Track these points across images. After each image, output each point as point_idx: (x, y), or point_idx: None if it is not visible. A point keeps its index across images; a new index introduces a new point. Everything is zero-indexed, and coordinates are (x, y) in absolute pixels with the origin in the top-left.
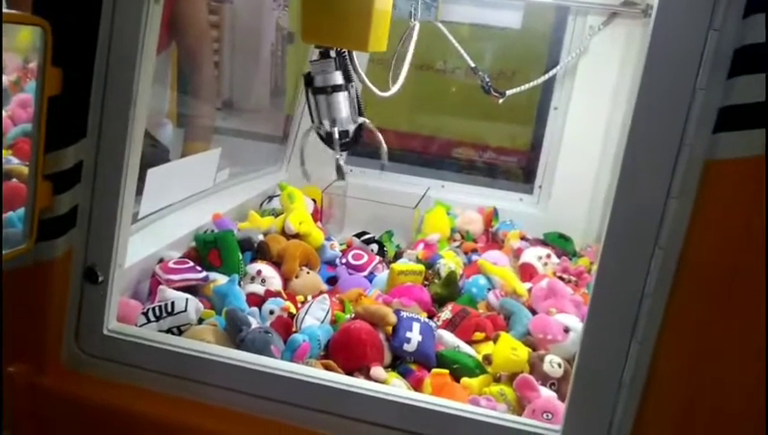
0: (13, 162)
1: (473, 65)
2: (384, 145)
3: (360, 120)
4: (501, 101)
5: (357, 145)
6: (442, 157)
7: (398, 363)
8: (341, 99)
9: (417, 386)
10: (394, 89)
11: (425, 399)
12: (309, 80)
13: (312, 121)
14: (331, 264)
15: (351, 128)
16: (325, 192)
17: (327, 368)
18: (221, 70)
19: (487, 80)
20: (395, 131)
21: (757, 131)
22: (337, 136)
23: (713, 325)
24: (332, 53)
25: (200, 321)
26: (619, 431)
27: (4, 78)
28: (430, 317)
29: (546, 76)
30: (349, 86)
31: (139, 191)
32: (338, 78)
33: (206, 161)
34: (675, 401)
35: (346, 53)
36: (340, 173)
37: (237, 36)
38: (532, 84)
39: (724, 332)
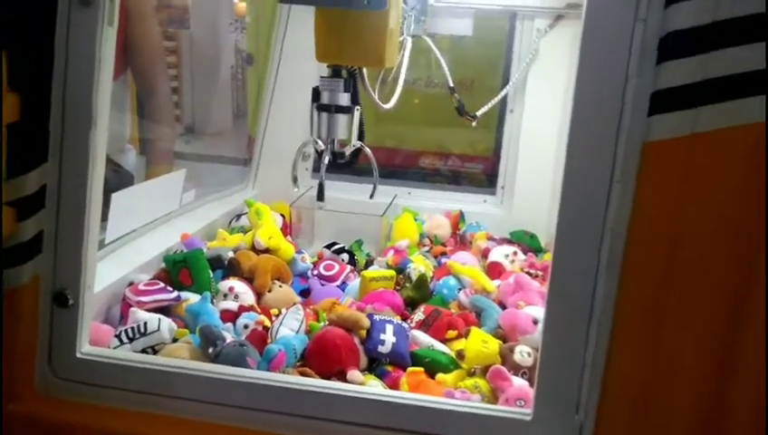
0: None
1: (451, 85)
2: (376, 169)
3: (358, 144)
4: (474, 123)
5: (351, 167)
6: (407, 166)
7: (375, 366)
8: (343, 120)
9: (394, 386)
10: (392, 102)
11: (402, 395)
12: (315, 94)
13: (311, 135)
14: (303, 276)
15: (348, 151)
16: (293, 206)
17: (304, 375)
18: (181, 95)
19: (459, 99)
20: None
21: (686, 111)
22: (327, 159)
23: (661, 299)
24: (344, 73)
25: (174, 340)
26: (586, 409)
27: None
28: (404, 320)
29: (509, 86)
30: (354, 109)
31: (104, 217)
32: (344, 99)
33: (170, 183)
34: (634, 375)
35: (357, 71)
36: (321, 194)
37: (196, 61)
38: (497, 99)
39: (671, 305)
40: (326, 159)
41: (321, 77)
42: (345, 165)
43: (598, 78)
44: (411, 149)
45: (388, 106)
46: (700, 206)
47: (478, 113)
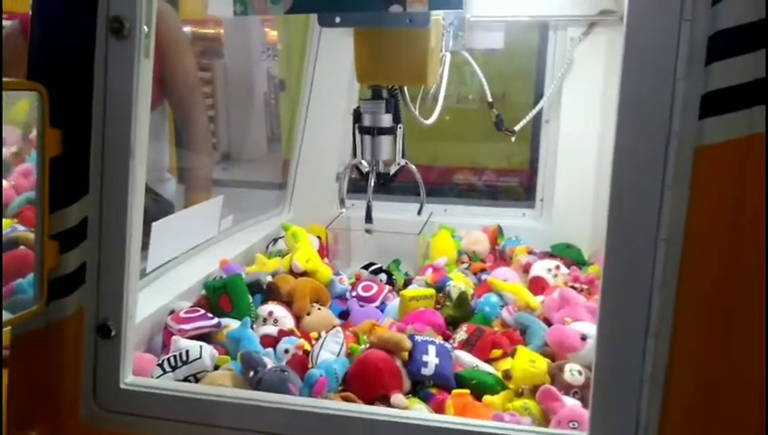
0: (19, 230)
1: (490, 99)
2: (423, 186)
3: (402, 161)
4: (513, 138)
5: (387, 186)
6: (442, 183)
7: (418, 389)
8: (387, 141)
9: (439, 409)
10: (434, 117)
11: (449, 420)
12: (357, 116)
13: (354, 156)
14: (341, 298)
15: (393, 169)
16: (329, 228)
17: (346, 400)
18: (217, 124)
19: (498, 114)
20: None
21: (741, 112)
22: (373, 180)
23: (722, 310)
24: (385, 93)
25: (216, 367)
26: (647, 429)
27: (6, 150)
28: (446, 339)
29: (545, 98)
30: (396, 128)
31: (145, 246)
32: (386, 120)
33: (209, 210)
34: (697, 390)
35: (398, 91)
36: (370, 216)
37: (230, 90)
38: (534, 111)
39: (734, 315)
40: (372, 181)
41: (362, 99)
42: (387, 184)
43: (643, 83)
44: (445, 165)
45: (429, 122)
46: (761, 210)
47: (516, 128)
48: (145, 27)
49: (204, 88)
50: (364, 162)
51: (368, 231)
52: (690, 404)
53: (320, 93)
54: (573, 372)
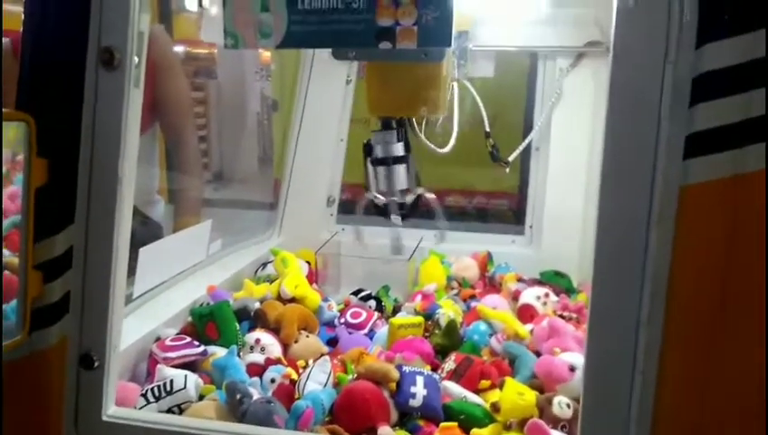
0: (5, 255)
1: (488, 129)
2: (440, 212)
3: (419, 190)
4: (507, 169)
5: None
6: (433, 207)
7: (406, 420)
8: (401, 171)
9: None
10: (449, 146)
11: None
12: (368, 150)
13: (367, 190)
14: (330, 325)
15: (410, 199)
16: (319, 253)
17: (333, 433)
18: (209, 143)
19: (494, 144)
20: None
21: (725, 153)
22: (398, 211)
23: (709, 347)
24: (394, 124)
25: (201, 397)
26: None
27: None
28: (434, 369)
29: (535, 128)
30: (409, 156)
31: (132, 271)
32: (400, 149)
33: (197, 234)
34: (683, 426)
35: (406, 121)
36: (398, 247)
37: (223, 110)
38: (526, 142)
39: (721, 355)
40: (396, 215)
41: (373, 131)
42: (408, 214)
43: (628, 122)
44: (437, 188)
45: (445, 150)
46: (749, 248)
47: (510, 158)
48: (135, 58)
49: (196, 108)
50: (379, 196)
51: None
52: None
53: (312, 116)
54: (562, 406)
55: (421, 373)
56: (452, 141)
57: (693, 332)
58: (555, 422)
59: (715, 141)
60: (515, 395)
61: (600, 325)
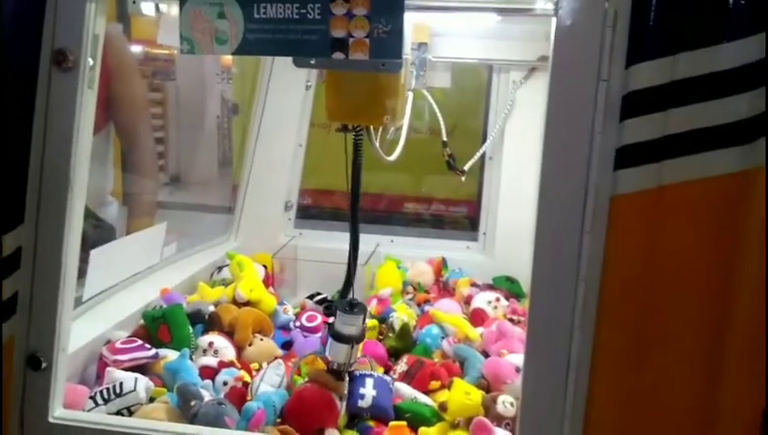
0: None
1: (445, 138)
2: None
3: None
4: (464, 178)
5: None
6: (390, 212)
7: (357, 422)
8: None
9: None
10: (396, 154)
11: None
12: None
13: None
14: (285, 328)
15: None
16: (275, 257)
17: (284, 434)
18: (167, 145)
19: (450, 153)
20: (342, 192)
21: (651, 166)
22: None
23: (637, 347)
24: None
25: (152, 400)
26: None
27: None
28: (387, 371)
29: (489, 141)
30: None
31: (83, 273)
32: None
33: (151, 237)
34: (613, 423)
35: (363, 128)
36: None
37: (182, 112)
38: (479, 153)
39: (647, 352)
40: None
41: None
42: None
43: (564, 134)
44: (395, 194)
45: (391, 158)
46: (671, 254)
47: (465, 167)
48: (90, 60)
49: (154, 109)
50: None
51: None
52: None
53: (271, 120)
54: (506, 404)
55: (371, 376)
56: (398, 149)
57: (622, 332)
58: (500, 420)
59: (641, 155)
60: (462, 395)
61: (538, 329)
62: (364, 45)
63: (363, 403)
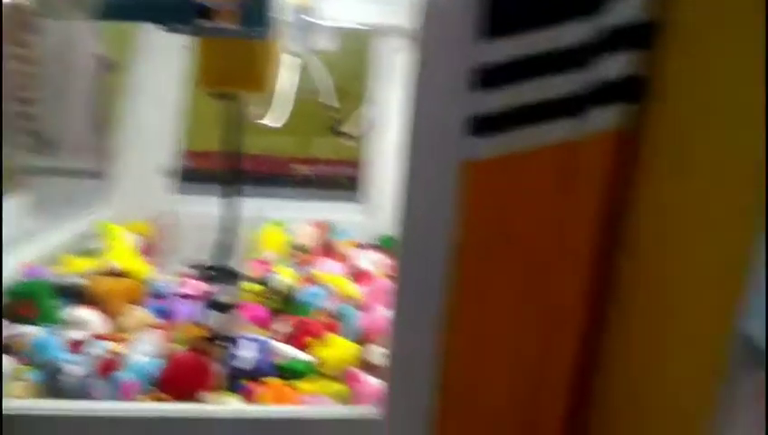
0: None
1: (331, 103)
2: None
3: None
4: (350, 142)
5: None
6: (276, 174)
7: (236, 382)
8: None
9: (255, 400)
10: (278, 118)
11: (258, 409)
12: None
13: None
14: (162, 297)
15: None
16: (153, 224)
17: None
18: (33, 105)
19: (337, 119)
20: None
21: (501, 134)
22: None
23: (487, 303)
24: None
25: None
26: (430, 406)
27: None
28: (269, 332)
29: (372, 105)
30: None
31: None
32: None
33: (9, 206)
34: (466, 374)
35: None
36: None
37: (51, 69)
38: (364, 119)
39: (494, 308)
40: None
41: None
42: None
43: (426, 101)
44: (281, 155)
45: (275, 124)
46: (518, 214)
47: (352, 132)
48: None
49: (19, 66)
50: None
51: None
52: (461, 387)
53: (149, 81)
54: (378, 355)
55: (253, 339)
56: (281, 114)
57: (477, 288)
58: (373, 369)
59: (495, 124)
60: (338, 349)
61: (405, 281)
62: (229, 13)
63: (243, 365)
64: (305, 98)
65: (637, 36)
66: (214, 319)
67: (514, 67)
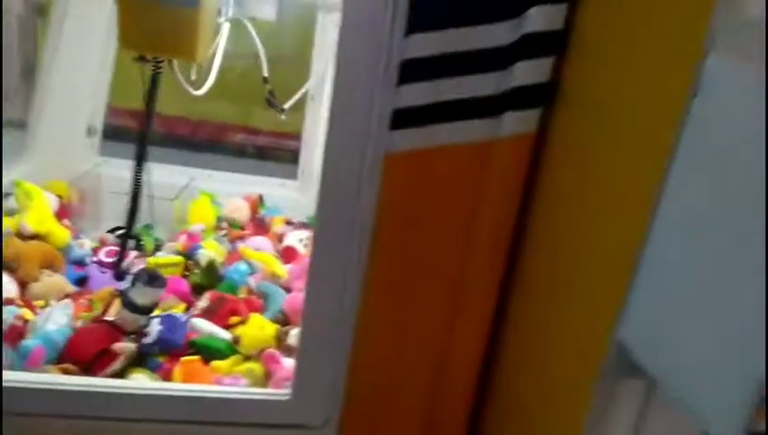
0: None
1: (265, 75)
2: None
3: None
4: (283, 116)
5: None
6: (212, 142)
7: (148, 359)
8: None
9: (167, 377)
10: (205, 88)
11: (164, 386)
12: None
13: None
14: (80, 263)
15: None
16: (74, 186)
17: (65, 372)
18: None
19: (271, 90)
20: (157, 114)
21: (420, 129)
22: None
23: (399, 287)
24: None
25: None
26: (337, 386)
27: None
28: (189, 307)
29: (310, 80)
30: None
31: None
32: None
33: None
34: (376, 355)
35: (163, 61)
36: None
37: None
38: (300, 93)
39: (409, 291)
40: None
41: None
42: None
43: (349, 92)
44: (217, 122)
45: (199, 93)
46: (431, 204)
47: (286, 106)
48: None
49: None
50: None
51: None
52: (369, 369)
53: (75, 34)
54: (296, 337)
55: (166, 315)
56: (209, 83)
57: (389, 270)
58: (290, 352)
59: (413, 118)
60: (256, 329)
61: (319, 264)
62: None
63: (148, 339)
64: (245, 64)
65: (549, 44)
66: (123, 319)
67: (432, 64)
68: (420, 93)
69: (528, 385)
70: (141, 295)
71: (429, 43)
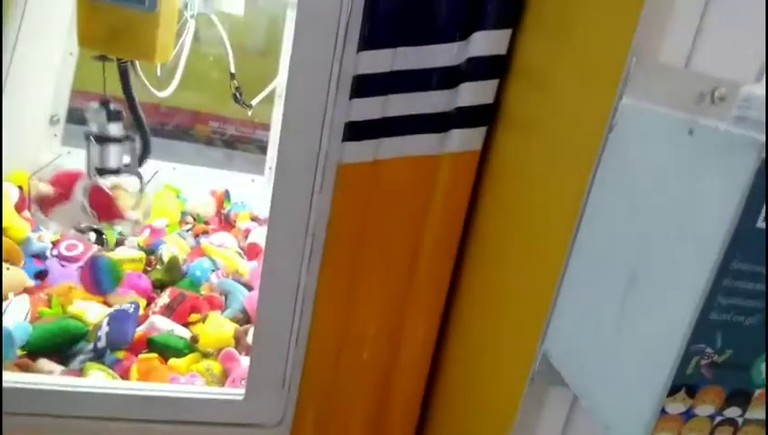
0: None
1: (232, 71)
2: None
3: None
4: (250, 112)
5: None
6: (183, 129)
7: (109, 356)
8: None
9: (125, 374)
10: (170, 90)
11: (119, 385)
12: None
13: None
14: (39, 257)
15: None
16: (34, 177)
17: (23, 368)
18: None
19: (237, 86)
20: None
21: (370, 141)
22: None
23: (349, 288)
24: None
25: None
26: (290, 384)
27: None
28: (149, 303)
29: (278, 77)
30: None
31: None
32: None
33: None
34: (327, 352)
35: (127, 62)
36: None
37: None
38: (267, 90)
39: (357, 293)
40: None
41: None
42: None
43: (302, 104)
44: (188, 110)
45: (164, 94)
46: (380, 216)
47: (253, 102)
48: None
49: None
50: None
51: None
52: (322, 366)
53: (37, 19)
54: None
55: (121, 310)
56: (172, 87)
57: (339, 276)
58: (249, 350)
59: (364, 131)
60: (215, 327)
61: (272, 268)
62: None
63: (100, 344)
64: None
65: (493, 68)
66: None
67: (384, 80)
68: (372, 108)
69: (465, 392)
70: None
71: (381, 60)
